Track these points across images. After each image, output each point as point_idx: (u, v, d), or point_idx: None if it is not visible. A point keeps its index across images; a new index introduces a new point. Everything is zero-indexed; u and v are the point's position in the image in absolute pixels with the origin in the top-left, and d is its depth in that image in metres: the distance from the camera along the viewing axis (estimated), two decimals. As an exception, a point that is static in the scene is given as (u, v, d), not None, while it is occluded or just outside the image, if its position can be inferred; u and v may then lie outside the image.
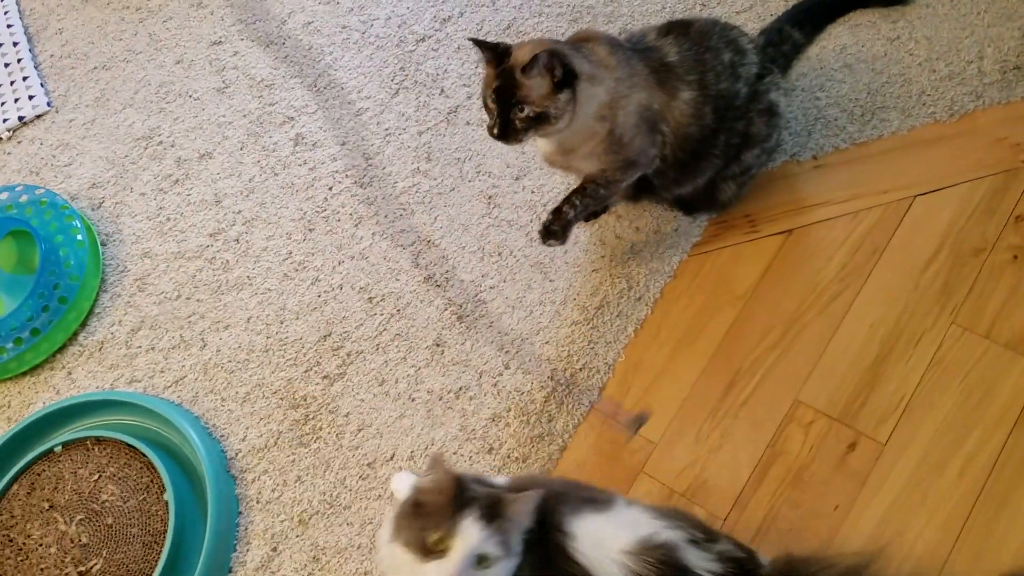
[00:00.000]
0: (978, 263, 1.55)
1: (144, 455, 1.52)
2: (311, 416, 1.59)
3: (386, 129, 1.91)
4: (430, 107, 1.92)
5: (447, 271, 1.71)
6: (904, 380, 1.47)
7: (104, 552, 1.46)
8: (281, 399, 1.62)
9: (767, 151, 1.55)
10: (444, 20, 2.04)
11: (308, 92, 1.99)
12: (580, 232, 1.71)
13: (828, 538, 1.37)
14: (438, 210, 1.79)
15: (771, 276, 1.61)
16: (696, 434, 1.49)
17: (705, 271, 1.64)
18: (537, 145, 1.47)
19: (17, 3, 2.26)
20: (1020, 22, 1.76)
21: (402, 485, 1.47)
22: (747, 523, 1.40)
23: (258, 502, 1.53)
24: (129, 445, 1.54)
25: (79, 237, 1.79)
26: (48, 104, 2.06)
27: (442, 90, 1.94)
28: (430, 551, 1.00)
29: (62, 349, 1.73)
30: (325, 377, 1.63)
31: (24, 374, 1.72)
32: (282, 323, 1.70)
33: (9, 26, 2.20)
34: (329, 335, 1.67)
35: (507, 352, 1.61)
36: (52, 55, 2.15)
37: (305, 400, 1.61)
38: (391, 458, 1.54)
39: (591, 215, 1.69)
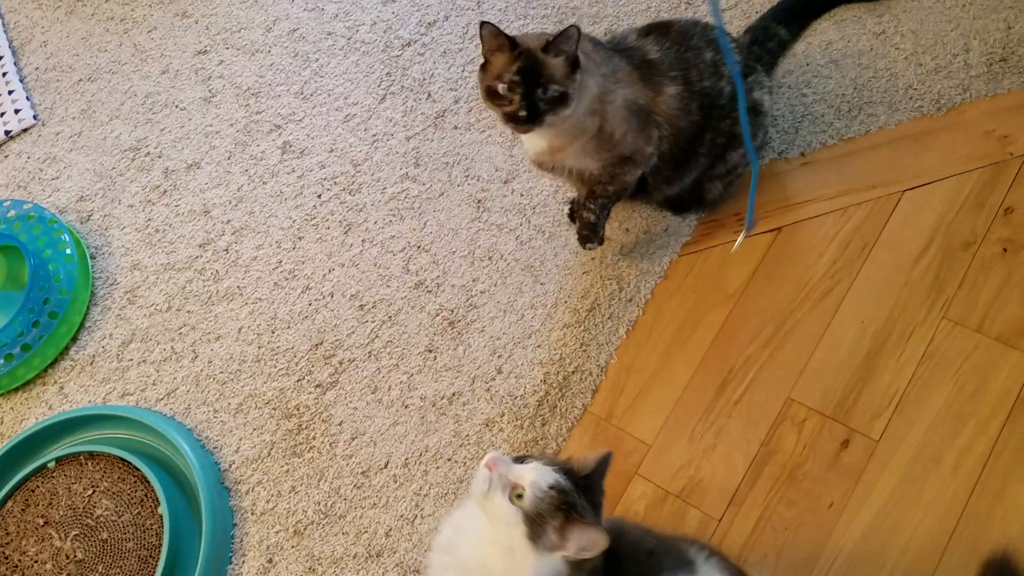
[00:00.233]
0: (968, 257, 1.55)
1: (138, 469, 1.51)
2: (304, 426, 1.59)
3: (374, 135, 1.90)
4: (417, 112, 1.91)
5: (438, 276, 1.71)
6: (896, 376, 1.47)
7: (100, 567, 1.46)
8: (274, 409, 1.61)
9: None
10: (429, 24, 2.03)
11: (295, 99, 1.98)
12: (570, 234, 1.71)
13: (824, 536, 1.37)
14: (428, 215, 1.78)
15: (761, 274, 1.60)
16: (690, 435, 1.49)
17: (696, 271, 1.64)
18: (526, 146, 1.46)
19: (1, 16, 2.25)
20: (1005, 14, 1.76)
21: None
22: (742, 523, 1.40)
23: (253, 513, 1.52)
24: (123, 459, 1.53)
25: (68, 251, 1.78)
26: (34, 117, 2.06)
27: (429, 94, 1.93)
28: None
29: (54, 364, 1.73)
30: (318, 386, 1.63)
31: (16, 390, 1.72)
32: (273, 332, 1.69)
33: (-7, 40, 2.19)
34: (321, 343, 1.67)
35: (499, 356, 1.61)
36: (37, 68, 2.14)
37: (298, 410, 1.61)
38: (385, 466, 1.53)
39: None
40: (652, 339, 1.59)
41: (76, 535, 1.49)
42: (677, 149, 1.47)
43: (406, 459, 1.54)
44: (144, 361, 1.70)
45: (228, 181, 1.89)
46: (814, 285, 1.57)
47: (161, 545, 1.44)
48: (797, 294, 1.57)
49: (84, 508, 1.51)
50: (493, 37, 1.29)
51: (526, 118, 1.28)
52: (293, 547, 1.49)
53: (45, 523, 1.51)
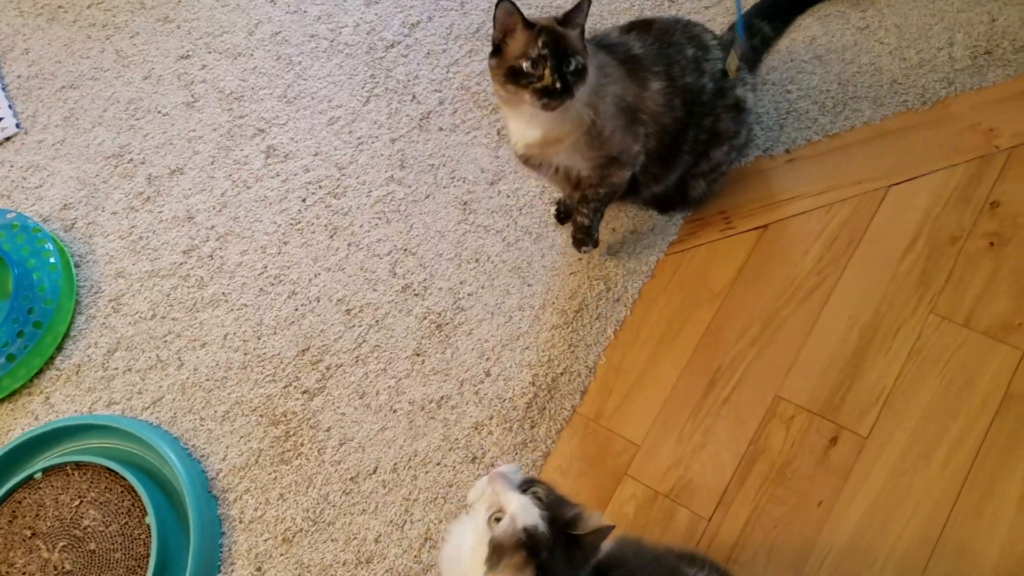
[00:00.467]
0: (955, 251, 1.55)
1: (125, 479, 1.50)
2: (292, 432, 1.58)
3: (358, 138, 1.89)
4: (402, 114, 1.91)
5: (425, 279, 1.70)
6: (884, 372, 1.47)
7: (87, 578, 1.45)
8: (261, 416, 1.60)
9: (736, 148, 1.55)
10: (413, 25, 2.02)
11: (278, 103, 1.97)
12: (557, 235, 1.70)
13: (814, 533, 1.37)
14: (414, 218, 1.78)
15: (748, 272, 1.60)
16: (679, 434, 1.49)
17: (682, 270, 1.63)
18: (516, 139, 1.42)
19: (-18, 24, 2.24)
20: (989, 7, 1.76)
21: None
22: (732, 522, 1.40)
23: (241, 522, 1.51)
24: (109, 469, 1.52)
25: (52, 260, 1.77)
26: (17, 126, 2.04)
27: (413, 96, 1.92)
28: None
29: (39, 374, 1.71)
30: (305, 392, 1.62)
31: (1, 401, 1.70)
32: (259, 339, 1.68)
33: (-26, 48, 2.17)
34: (307, 349, 1.66)
35: (488, 359, 1.60)
36: (19, 76, 2.13)
37: (285, 416, 1.60)
38: (374, 471, 1.53)
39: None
40: (640, 339, 1.58)
41: (64, 546, 1.48)
42: (662, 146, 1.47)
43: (395, 464, 1.53)
44: (129, 370, 1.69)
45: (212, 186, 1.88)
46: (801, 282, 1.57)
47: (149, 555, 1.43)
48: (784, 291, 1.57)
49: (71, 519, 1.50)
50: (509, 15, 1.27)
51: (563, 90, 1.26)
52: (282, 555, 1.48)
53: (33, 535, 1.50)
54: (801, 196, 1.65)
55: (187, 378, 1.66)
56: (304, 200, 1.83)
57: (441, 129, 1.87)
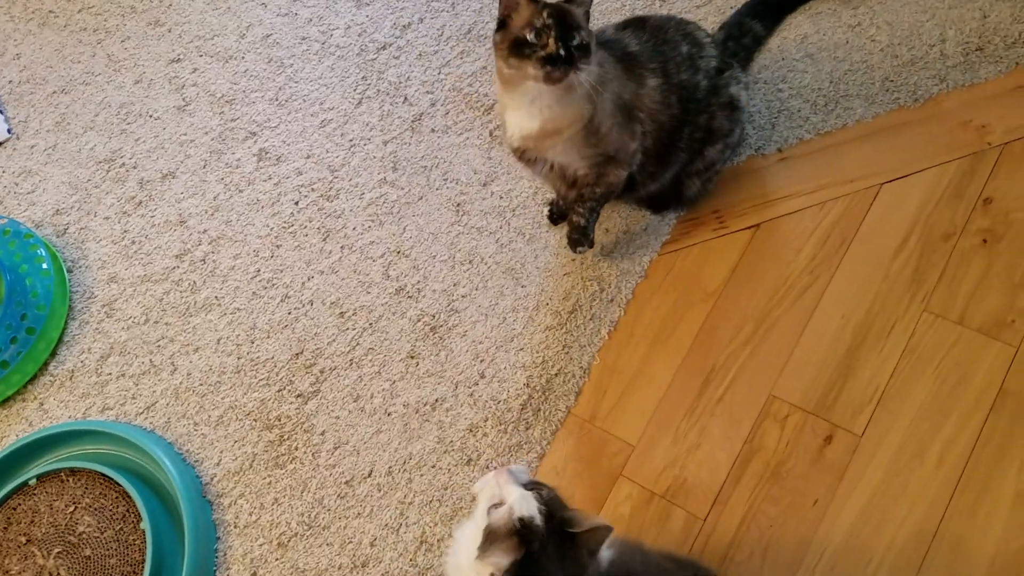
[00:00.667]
0: (948, 248, 1.55)
1: (119, 484, 1.50)
2: (286, 436, 1.58)
3: (351, 140, 1.89)
4: (394, 116, 1.90)
5: (418, 282, 1.70)
6: (878, 370, 1.47)
7: (83, 585, 1.45)
8: (255, 420, 1.60)
9: (730, 146, 1.55)
10: (404, 27, 2.02)
11: (270, 106, 1.97)
12: (550, 236, 1.70)
13: (809, 533, 1.37)
14: (407, 220, 1.77)
15: (741, 271, 1.60)
16: (674, 434, 1.49)
17: (676, 269, 1.63)
18: (512, 130, 1.40)
19: (-28, 29, 2.23)
20: (980, 3, 1.76)
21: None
22: (727, 522, 1.40)
23: (236, 526, 1.51)
24: (104, 475, 1.52)
25: (44, 266, 1.76)
26: (8, 131, 2.03)
27: (405, 98, 1.92)
28: None
29: (33, 380, 1.71)
30: (299, 396, 1.61)
31: (-5, 407, 1.70)
32: (253, 343, 1.68)
33: (-35, 53, 2.17)
34: (301, 352, 1.66)
35: (482, 361, 1.60)
36: (11, 81, 2.12)
37: (279, 420, 1.59)
38: (369, 475, 1.52)
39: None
40: (634, 339, 1.58)
41: (59, 552, 1.48)
42: (659, 144, 1.47)
43: (390, 467, 1.53)
44: (123, 375, 1.69)
45: (204, 190, 1.87)
46: (794, 281, 1.57)
47: (144, 561, 1.43)
48: (777, 290, 1.57)
49: (66, 525, 1.50)
50: None
51: (566, 57, 1.25)
52: (277, 559, 1.47)
53: (28, 541, 1.50)
54: (793, 195, 1.65)
55: (180, 383, 1.66)
56: (297, 203, 1.83)
57: (433, 131, 1.87)
